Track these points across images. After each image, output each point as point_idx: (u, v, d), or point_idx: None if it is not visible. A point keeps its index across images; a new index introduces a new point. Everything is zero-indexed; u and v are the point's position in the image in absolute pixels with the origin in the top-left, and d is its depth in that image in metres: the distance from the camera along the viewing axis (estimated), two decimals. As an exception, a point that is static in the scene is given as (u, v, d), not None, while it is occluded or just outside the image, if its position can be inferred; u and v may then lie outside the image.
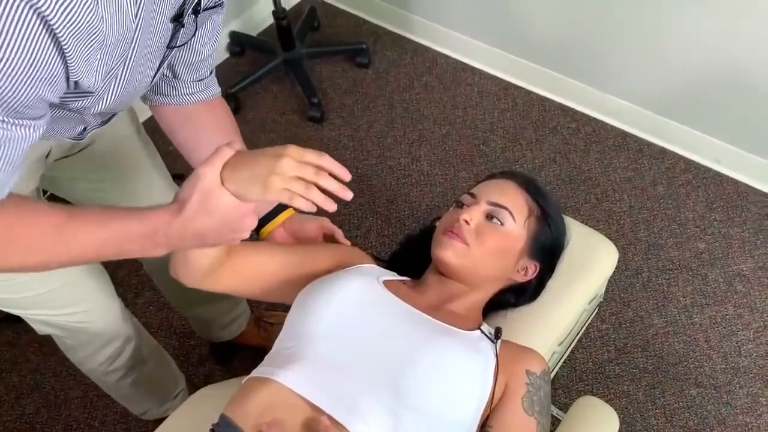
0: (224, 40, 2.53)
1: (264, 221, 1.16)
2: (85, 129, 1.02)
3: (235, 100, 2.33)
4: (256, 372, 0.94)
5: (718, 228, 1.96)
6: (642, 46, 1.98)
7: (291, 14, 2.42)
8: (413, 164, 2.18)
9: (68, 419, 1.75)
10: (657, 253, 1.93)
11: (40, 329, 1.29)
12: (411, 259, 1.23)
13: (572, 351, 1.76)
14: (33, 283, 1.14)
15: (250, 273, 1.04)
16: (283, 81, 2.44)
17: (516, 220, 1.10)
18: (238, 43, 2.55)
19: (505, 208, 1.10)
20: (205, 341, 1.83)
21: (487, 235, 1.08)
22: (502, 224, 1.09)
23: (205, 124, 1.12)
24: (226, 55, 2.55)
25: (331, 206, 0.81)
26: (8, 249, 0.77)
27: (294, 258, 1.09)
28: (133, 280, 1.99)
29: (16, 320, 1.65)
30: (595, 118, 2.23)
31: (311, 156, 0.80)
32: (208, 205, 0.82)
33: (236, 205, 0.82)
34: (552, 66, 2.24)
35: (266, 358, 0.98)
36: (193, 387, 1.55)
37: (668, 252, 1.93)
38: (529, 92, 2.32)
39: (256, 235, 1.09)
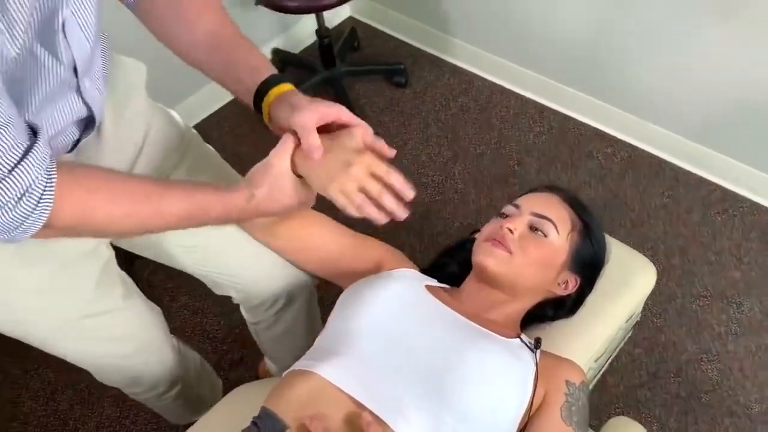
0: (266, 56, 2.59)
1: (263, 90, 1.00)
2: (78, 140, 0.95)
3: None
4: (298, 365, 0.96)
5: (755, 257, 1.94)
6: (679, 74, 1.99)
7: (333, 34, 2.48)
8: (447, 182, 2.20)
9: (101, 416, 1.78)
10: (691, 279, 1.91)
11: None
12: (449, 269, 1.24)
13: (603, 374, 1.75)
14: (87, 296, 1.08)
15: (301, 241, 1.13)
16: (322, 97, 2.45)
17: (559, 232, 1.11)
18: (280, 60, 2.61)
19: (549, 220, 1.11)
20: (238, 346, 1.86)
21: (531, 246, 1.09)
22: (545, 235, 1.10)
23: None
24: (267, 71, 2.61)
25: (382, 220, 0.91)
26: (108, 218, 0.81)
27: (348, 242, 1.16)
28: (169, 284, 2.02)
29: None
30: (631, 144, 2.23)
31: (381, 170, 0.86)
32: (275, 192, 0.94)
33: (298, 193, 0.94)
34: (588, 91, 2.26)
35: (307, 353, 1.00)
36: (226, 392, 1.56)
37: (703, 279, 1.91)
38: (565, 116, 2.34)
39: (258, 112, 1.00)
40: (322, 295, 1.43)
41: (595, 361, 1.24)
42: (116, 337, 1.14)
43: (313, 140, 0.91)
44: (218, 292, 1.27)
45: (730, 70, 1.88)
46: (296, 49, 2.67)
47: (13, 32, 0.70)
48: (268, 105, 0.96)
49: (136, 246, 1.17)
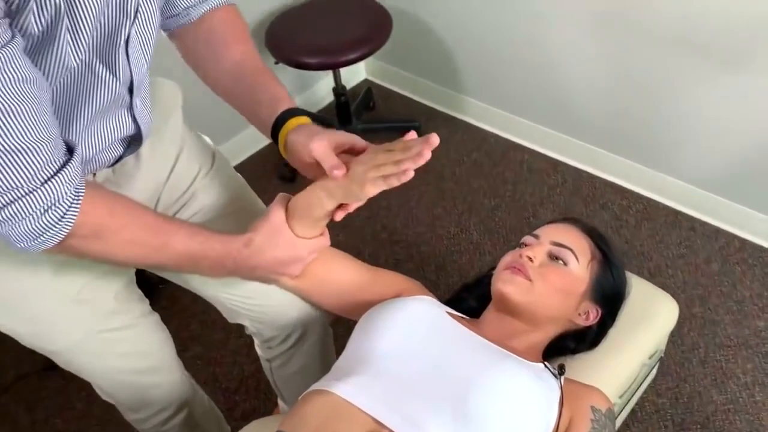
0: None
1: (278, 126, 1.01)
2: (120, 157, 0.97)
3: (292, 169, 2.42)
4: (315, 386, 0.94)
5: (777, 307, 1.91)
6: (691, 124, 2.02)
7: (349, 94, 2.55)
8: (462, 233, 2.20)
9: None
10: (713, 329, 1.88)
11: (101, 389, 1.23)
12: (468, 304, 1.23)
13: (627, 425, 1.69)
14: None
15: (321, 278, 1.09)
16: (338, 153, 2.52)
17: (579, 261, 1.11)
18: (297, 118, 2.67)
19: (569, 249, 1.11)
20: (250, 397, 1.82)
21: (551, 274, 1.09)
22: (565, 264, 1.10)
23: (221, 32, 1.04)
24: (285, 129, 2.67)
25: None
26: (110, 233, 0.82)
27: (366, 276, 1.15)
28: (184, 334, 2.01)
29: (58, 370, 1.66)
30: (645, 196, 2.24)
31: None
32: (272, 241, 0.97)
33: (294, 246, 0.98)
34: (601, 144, 2.28)
35: (326, 375, 0.98)
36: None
37: (725, 329, 1.87)
38: (579, 170, 2.36)
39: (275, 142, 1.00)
40: (337, 334, 1.42)
41: (620, 397, 1.21)
42: (132, 353, 1.14)
43: (333, 160, 0.92)
44: (231, 319, 1.26)
45: (744, 120, 1.91)
46: (314, 108, 2.74)
47: (78, 42, 0.74)
48: (284, 135, 0.98)
49: None
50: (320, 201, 0.96)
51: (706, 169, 2.08)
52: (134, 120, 0.93)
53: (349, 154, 0.96)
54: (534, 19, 2.17)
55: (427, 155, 0.85)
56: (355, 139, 0.97)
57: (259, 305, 1.19)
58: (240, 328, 1.31)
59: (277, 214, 0.97)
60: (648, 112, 2.10)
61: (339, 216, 0.98)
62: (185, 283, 1.19)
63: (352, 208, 0.98)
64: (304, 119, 0.99)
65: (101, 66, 0.81)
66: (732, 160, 2.01)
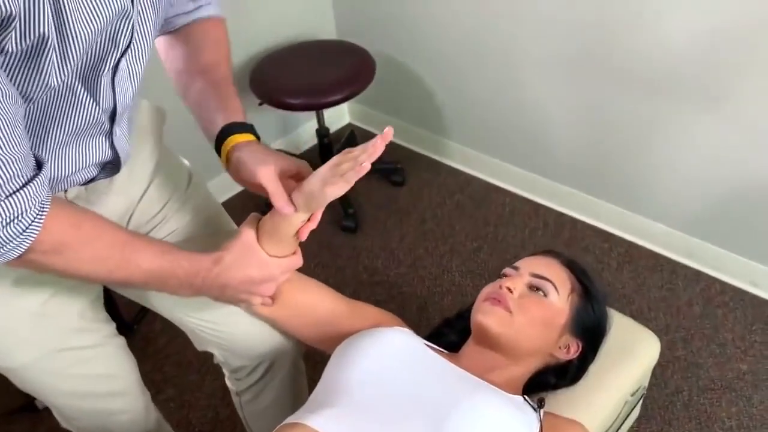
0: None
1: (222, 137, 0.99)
2: (94, 178, 0.95)
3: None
4: (289, 419, 0.91)
5: (760, 349, 1.89)
6: (670, 167, 2.04)
7: (333, 137, 2.56)
8: (444, 275, 2.19)
9: None
10: (697, 372, 1.85)
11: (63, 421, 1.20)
12: (448, 338, 1.21)
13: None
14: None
15: (298, 307, 1.06)
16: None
17: (559, 293, 1.09)
18: (280, 160, 2.68)
19: (549, 280, 1.10)
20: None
21: (531, 305, 1.07)
22: (545, 295, 1.09)
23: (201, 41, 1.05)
24: (268, 171, 2.67)
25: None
26: (72, 249, 0.79)
27: (343, 307, 1.12)
28: (157, 376, 1.95)
29: (33, 410, 1.60)
30: (627, 240, 2.25)
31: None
32: (243, 260, 0.94)
33: (266, 265, 0.94)
34: (582, 188, 2.30)
35: (301, 407, 0.95)
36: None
37: (708, 372, 1.85)
38: (560, 213, 2.37)
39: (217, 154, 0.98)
40: (309, 366, 1.38)
41: (602, 435, 1.18)
42: (95, 375, 1.10)
43: (278, 191, 0.91)
44: (200, 346, 1.23)
45: (720, 162, 1.93)
46: (298, 151, 2.75)
47: (64, 65, 0.73)
48: (227, 149, 0.96)
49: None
50: (285, 216, 0.93)
51: (686, 212, 2.10)
52: (112, 147, 0.91)
53: (295, 179, 0.95)
54: (515, 65, 2.21)
55: (382, 147, 0.84)
56: (300, 165, 0.96)
57: (226, 332, 1.16)
58: (216, 370, 1.27)
59: (248, 233, 0.95)
60: (627, 155, 2.13)
61: (303, 234, 0.95)
62: (153, 306, 1.15)
63: (315, 223, 0.96)
64: (248, 136, 0.97)
65: (83, 90, 0.81)
66: (710, 203, 2.02)
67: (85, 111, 0.83)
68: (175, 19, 1.03)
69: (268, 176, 0.90)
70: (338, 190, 0.86)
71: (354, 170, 0.83)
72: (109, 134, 0.90)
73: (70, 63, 0.74)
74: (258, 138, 0.99)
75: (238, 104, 1.01)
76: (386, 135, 0.84)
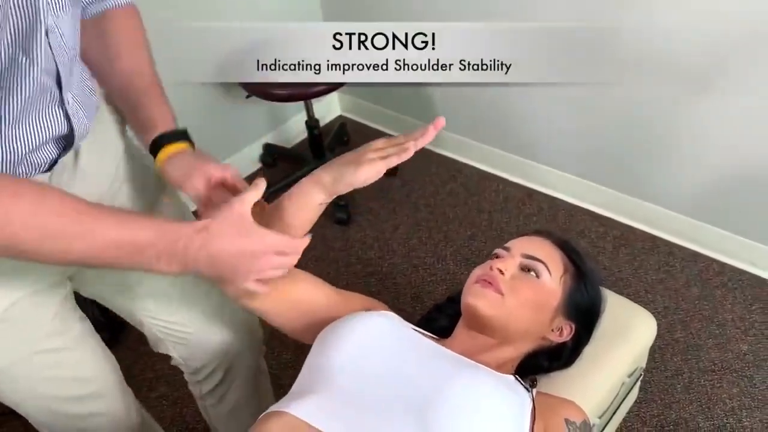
0: (257, 151, 2.63)
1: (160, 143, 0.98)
2: (55, 161, 0.91)
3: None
4: (272, 407, 0.88)
5: (760, 329, 1.86)
6: (665, 148, 2.01)
7: (323, 130, 2.53)
8: (439, 263, 2.16)
9: None
10: (697, 354, 1.83)
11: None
12: (439, 323, 1.18)
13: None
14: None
15: (290, 302, 1.04)
16: (311, 187, 2.49)
17: (552, 274, 1.06)
18: (271, 154, 2.65)
19: (541, 261, 1.07)
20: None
21: (522, 286, 1.04)
22: (537, 277, 1.06)
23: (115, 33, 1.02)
24: (259, 165, 2.64)
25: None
26: (27, 230, 0.75)
27: (335, 299, 1.08)
28: (149, 374, 1.92)
29: (17, 417, 1.57)
30: (622, 223, 2.22)
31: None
32: (232, 227, 0.85)
33: (263, 238, 0.87)
34: (575, 172, 2.27)
35: (285, 396, 0.92)
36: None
37: (708, 353, 1.83)
38: (554, 198, 2.34)
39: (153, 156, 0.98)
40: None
41: (599, 417, 1.15)
42: (69, 378, 1.04)
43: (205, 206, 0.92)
44: (155, 347, 1.20)
45: (717, 143, 1.90)
46: (288, 144, 2.72)
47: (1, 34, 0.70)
48: (160, 163, 0.96)
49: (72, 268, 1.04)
50: (309, 193, 0.95)
51: (682, 193, 2.07)
52: (67, 117, 0.87)
53: (226, 186, 0.95)
54: (507, 47, 2.18)
55: (432, 135, 0.83)
56: (226, 170, 0.95)
57: (181, 331, 1.13)
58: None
59: (239, 202, 0.86)
60: (621, 137, 2.10)
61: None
62: (113, 306, 1.13)
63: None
64: (178, 146, 0.96)
65: (23, 56, 0.77)
66: (707, 183, 1.99)
67: (30, 76, 0.79)
68: (88, 8, 0.99)
69: (193, 192, 0.93)
70: (373, 170, 0.84)
71: (397, 154, 0.82)
72: (61, 103, 0.86)
73: (6, 32, 0.72)
74: (191, 141, 0.99)
75: (165, 110, 1.00)
76: (438, 123, 0.83)
